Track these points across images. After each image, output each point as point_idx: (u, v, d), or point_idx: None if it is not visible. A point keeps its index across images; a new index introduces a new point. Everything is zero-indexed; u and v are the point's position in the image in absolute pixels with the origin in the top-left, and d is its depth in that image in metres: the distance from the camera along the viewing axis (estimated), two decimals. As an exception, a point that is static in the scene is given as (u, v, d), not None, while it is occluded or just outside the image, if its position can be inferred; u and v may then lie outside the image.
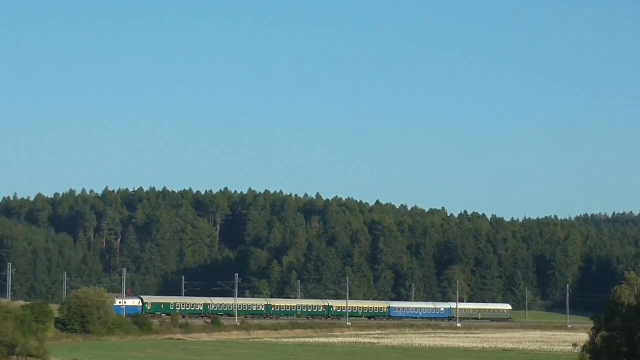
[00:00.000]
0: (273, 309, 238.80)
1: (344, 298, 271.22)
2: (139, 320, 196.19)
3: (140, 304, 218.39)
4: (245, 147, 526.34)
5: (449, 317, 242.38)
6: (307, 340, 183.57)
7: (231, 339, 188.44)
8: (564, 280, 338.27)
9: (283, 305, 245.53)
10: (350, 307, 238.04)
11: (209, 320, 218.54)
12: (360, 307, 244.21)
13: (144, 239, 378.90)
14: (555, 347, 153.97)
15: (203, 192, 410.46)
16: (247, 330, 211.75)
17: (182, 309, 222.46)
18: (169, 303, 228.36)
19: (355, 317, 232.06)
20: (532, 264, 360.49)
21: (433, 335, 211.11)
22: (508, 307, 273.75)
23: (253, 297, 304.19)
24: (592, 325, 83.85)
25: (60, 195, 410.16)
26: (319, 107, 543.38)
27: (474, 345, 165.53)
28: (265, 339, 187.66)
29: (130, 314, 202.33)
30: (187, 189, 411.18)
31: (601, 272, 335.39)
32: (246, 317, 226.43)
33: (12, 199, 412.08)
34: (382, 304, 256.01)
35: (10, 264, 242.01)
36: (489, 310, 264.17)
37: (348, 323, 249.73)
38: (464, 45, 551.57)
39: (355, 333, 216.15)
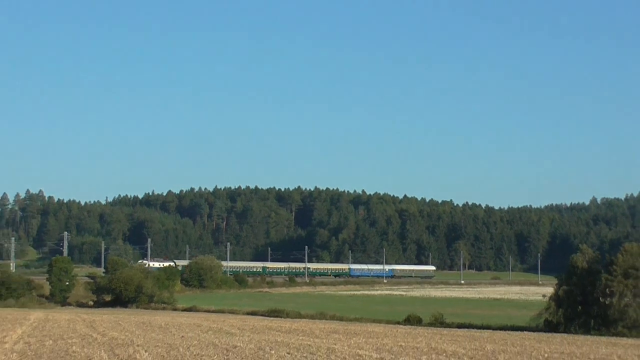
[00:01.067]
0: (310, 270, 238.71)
1: (381, 264, 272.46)
2: (238, 278, 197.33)
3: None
4: (313, 155, 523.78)
5: (392, 276, 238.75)
6: (355, 292, 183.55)
7: (302, 291, 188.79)
8: (536, 250, 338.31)
9: (317, 268, 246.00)
10: (321, 268, 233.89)
11: (287, 279, 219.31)
12: (328, 269, 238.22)
13: (241, 222, 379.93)
14: (530, 297, 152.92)
15: (282, 189, 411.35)
16: (314, 285, 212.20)
17: (269, 270, 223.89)
18: (395, 269, 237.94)
19: (325, 275, 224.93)
20: (514, 239, 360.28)
21: (444, 288, 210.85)
22: (432, 267, 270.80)
23: (317, 262, 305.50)
24: (557, 282, 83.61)
25: (184, 191, 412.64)
26: (365, 124, 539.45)
27: (472, 296, 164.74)
28: (326, 292, 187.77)
29: (232, 273, 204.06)
30: (271, 186, 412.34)
31: (562, 245, 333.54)
32: (313, 277, 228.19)
33: (150, 194, 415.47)
34: (344, 266, 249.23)
35: (150, 239, 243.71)
36: (419, 270, 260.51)
37: (384, 280, 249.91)
38: (469, 44, 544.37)
39: (388, 287, 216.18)
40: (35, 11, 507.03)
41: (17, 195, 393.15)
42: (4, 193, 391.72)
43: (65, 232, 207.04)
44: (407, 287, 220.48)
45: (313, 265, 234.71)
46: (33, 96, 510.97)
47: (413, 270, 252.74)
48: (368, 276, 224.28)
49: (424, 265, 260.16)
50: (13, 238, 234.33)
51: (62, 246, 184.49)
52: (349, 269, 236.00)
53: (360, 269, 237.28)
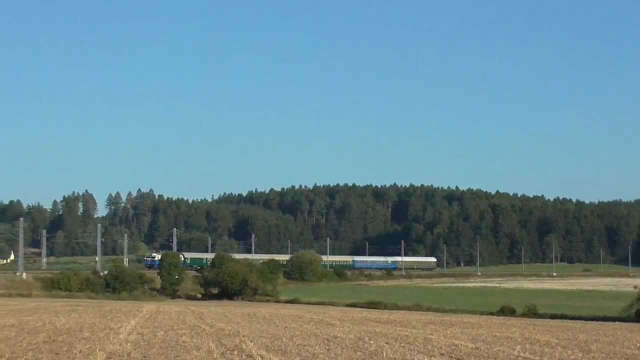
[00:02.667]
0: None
1: (475, 258, 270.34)
2: (338, 271, 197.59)
3: None
4: (409, 152, 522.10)
5: (394, 267, 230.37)
6: (449, 285, 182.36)
7: (399, 284, 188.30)
8: (627, 243, 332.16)
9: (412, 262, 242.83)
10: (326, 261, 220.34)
11: (384, 272, 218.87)
12: (334, 261, 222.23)
13: (340, 217, 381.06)
14: (621, 288, 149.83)
15: (379, 186, 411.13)
16: (410, 278, 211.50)
17: (367, 264, 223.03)
18: (397, 261, 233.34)
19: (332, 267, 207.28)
20: (604, 232, 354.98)
21: (540, 280, 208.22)
22: (434, 259, 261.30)
23: (414, 256, 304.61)
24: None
25: (285, 189, 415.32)
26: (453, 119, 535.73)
27: (564, 288, 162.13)
28: (422, 284, 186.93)
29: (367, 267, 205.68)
30: (368, 183, 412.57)
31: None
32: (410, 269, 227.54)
33: (253, 192, 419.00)
34: (348, 258, 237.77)
35: (253, 235, 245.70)
36: (421, 262, 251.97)
37: (478, 273, 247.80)
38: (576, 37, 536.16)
39: (482, 280, 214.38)
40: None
41: (130, 194, 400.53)
42: (117, 192, 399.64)
43: (175, 229, 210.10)
44: (500, 279, 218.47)
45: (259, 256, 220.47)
46: (140, 100, 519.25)
47: (415, 262, 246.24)
48: (371, 268, 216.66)
49: (426, 257, 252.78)
50: (126, 235, 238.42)
51: (172, 242, 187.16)
52: (353, 261, 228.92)
53: (363, 261, 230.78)
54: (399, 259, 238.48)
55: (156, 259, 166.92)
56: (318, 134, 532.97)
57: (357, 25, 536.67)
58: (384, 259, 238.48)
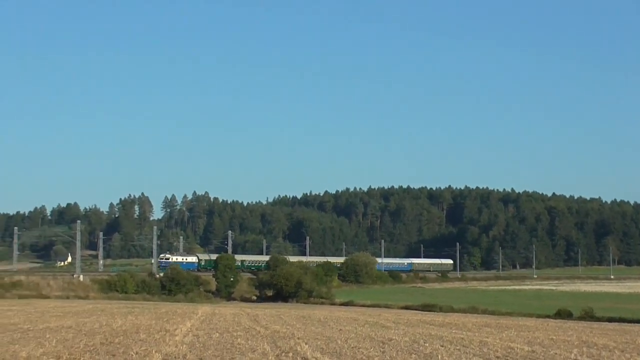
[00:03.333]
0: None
1: (531, 260, 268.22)
2: (392, 273, 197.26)
3: None
4: (463, 154, 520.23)
5: (410, 270, 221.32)
6: (505, 287, 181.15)
7: (454, 286, 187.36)
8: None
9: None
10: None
11: (439, 274, 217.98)
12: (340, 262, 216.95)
13: (394, 220, 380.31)
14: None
15: (434, 188, 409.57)
16: (465, 280, 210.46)
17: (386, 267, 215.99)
18: (413, 263, 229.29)
19: None
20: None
21: (597, 283, 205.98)
22: (450, 262, 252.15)
23: (469, 259, 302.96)
24: None
25: (340, 191, 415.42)
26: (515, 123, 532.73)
27: (622, 291, 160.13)
28: (477, 287, 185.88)
29: (386, 269, 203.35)
30: (423, 186, 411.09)
31: None
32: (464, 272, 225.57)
33: (308, 194, 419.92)
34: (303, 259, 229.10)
35: (308, 237, 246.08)
36: (437, 264, 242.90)
37: (534, 275, 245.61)
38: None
39: (538, 282, 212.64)
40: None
41: (185, 197, 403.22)
42: (173, 195, 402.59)
43: (230, 231, 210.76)
44: (556, 282, 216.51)
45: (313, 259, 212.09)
46: (194, 104, 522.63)
47: (431, 264, 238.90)
48: (387, 270, 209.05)
49: (442, 259, 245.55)
50: (181, 237, 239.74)
51: (227, 244, 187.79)
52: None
53: (382, 264, 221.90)
54: (415, 261, 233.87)
55: (170, 260, 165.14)
56: (372, 136, 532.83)
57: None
58: (400, 261, 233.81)
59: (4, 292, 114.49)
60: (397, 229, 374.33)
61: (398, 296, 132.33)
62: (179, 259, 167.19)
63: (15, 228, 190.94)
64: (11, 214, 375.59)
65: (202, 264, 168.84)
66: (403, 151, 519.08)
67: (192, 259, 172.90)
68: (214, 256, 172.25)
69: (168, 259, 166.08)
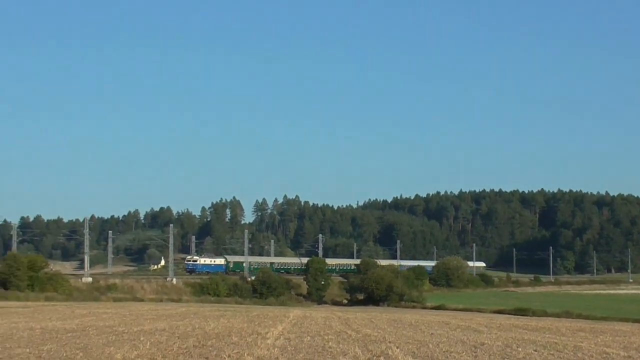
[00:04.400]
0: None
1: (627, 264, 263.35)
2: (484, 278, 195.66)
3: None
4: (555, 157, 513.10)
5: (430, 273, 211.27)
6: (600, 292, 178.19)
7: (547, 290, 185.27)
8: None
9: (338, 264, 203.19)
10: (341, 264, 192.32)
11: (532, 278, 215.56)
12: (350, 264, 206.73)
13: (486, 223, 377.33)
14: None
15: (526, 191, 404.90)
16: (558, 284, 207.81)
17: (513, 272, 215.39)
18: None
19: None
20: None
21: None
22: (483, 264, 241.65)
23: (562, 263, 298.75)
24: None
25: (430, 195, 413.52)
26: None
27: None
28: (571, 291, 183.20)
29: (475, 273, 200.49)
30: (515, 189, 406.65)
31: None
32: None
33: (398, 197, 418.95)
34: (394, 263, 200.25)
35: (399, 240, 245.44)
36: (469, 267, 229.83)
37: (630, 280, 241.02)
38: None
39: (635, 287, 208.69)
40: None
41: (276, 200, 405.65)
42: (264, 199, 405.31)
43: (320, 235, 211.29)
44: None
45: (331, 261, 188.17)
46: (287, 108, 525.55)
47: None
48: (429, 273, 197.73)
49: (472, 262, 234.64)
50: (272, 240, 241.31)
51: (317, 247, 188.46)
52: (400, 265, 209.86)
53: (404, 266, 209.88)
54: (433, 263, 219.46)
55: (198, 262, 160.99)
56: (463, 139, 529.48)
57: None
58: (426, 263, 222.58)
59: (100, 295, 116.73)
60: (488, 233, 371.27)
61: (490, 300, 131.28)
62: (207, 261, 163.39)
63: (110, 232, 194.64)
64: (106, 218, 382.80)
65: (231, 266, 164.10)
66: (494, 154, 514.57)
67: (220, 261, 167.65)
68: (237, 258, 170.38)
69: (196, 261, 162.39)
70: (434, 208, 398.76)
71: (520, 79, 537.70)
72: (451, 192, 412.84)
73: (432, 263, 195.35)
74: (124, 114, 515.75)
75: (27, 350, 31.81)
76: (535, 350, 34.91)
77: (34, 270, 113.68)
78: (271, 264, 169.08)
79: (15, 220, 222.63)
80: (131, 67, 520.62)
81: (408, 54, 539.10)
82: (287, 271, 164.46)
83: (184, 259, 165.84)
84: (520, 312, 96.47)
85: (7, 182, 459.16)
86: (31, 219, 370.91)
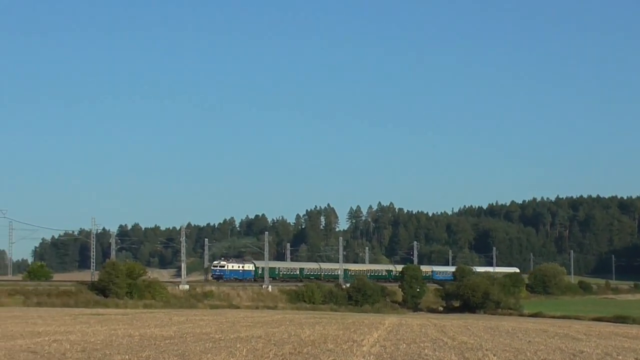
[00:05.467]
0: None
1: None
2: (583, 285, 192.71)
3: None
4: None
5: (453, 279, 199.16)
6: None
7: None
8: None
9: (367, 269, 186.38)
10: (376, 269, 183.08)
11: (632, 285, 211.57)
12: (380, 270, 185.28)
13: (584, 230, 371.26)
14: None
15: (625, 197, 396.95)
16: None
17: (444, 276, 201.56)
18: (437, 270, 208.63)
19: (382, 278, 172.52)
20: None
21: None
22: (517, 270, 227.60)
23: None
24: None
25: (526, 201, 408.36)
26: None
27: None
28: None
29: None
30: (613, 195, 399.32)
31: None
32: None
33: (494, 204, 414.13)
34: (427, 269, 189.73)
35: (494, 247, 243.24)
36: (500, 272, 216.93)
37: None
38: None
39: None
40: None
41: (370, 207, 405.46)
42: (358, 206, 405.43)
43: (415, 242, 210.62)
44: None
45: (354, 267, 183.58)
46: (374, 114, 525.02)
47: (496, 272, 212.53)
48: (449, 280, 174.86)
49: (507, 268, 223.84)
50: (367, 248, 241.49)
51: (412, 255, 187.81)
52: (432, 271, 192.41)
53: (442, 272, 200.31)
54: (480, 269, 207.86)
55: (226, 268, 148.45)
56: (559, 144, 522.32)
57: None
58: (448, 269, 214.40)
59: (196, 302, 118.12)
60: (586, 239, 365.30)
61: (588, 307, 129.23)
62: (235, 266, 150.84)
63: (206, 239, 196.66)
64: (202, 225, 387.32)
65: (260, 272, 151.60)
66: (592, 159, 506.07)
67: (249, 267, 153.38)
68: (273, 264, 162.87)
69: (223, 266, 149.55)
70: (530, 214, 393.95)
71: (620, 81, 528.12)
72: (547, 198, 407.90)
73: (529, 270, 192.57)
74: (218, 123, 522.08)
75: (127, 357, 32.36)
76: (636, 358, 34.31)
77: (132, 278, 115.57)
78: (301, 269, 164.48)
79: (113, 229, 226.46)
80: (224, 74, 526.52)
81: (503, 57, 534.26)
82: (317, 278, 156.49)
83: (213, 264, 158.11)
84: (619, 319, 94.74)
85: (105, 191, 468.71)
86: (129, 227, 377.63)
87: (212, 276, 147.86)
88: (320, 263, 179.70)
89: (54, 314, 72.28)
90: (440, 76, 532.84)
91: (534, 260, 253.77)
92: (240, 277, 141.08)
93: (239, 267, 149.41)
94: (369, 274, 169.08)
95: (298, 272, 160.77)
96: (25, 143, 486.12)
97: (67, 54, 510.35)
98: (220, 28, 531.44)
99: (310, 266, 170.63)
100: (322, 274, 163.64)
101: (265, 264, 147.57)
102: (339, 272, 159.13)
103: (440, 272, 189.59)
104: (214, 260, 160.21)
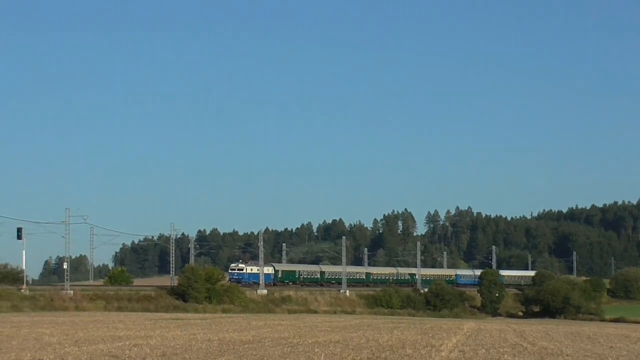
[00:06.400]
0: None
1: None
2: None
3: None
4: None
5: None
6: None
7: None
8: None
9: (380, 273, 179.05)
10: (384, 273, 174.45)
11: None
12: (431, 275, 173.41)
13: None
14: None
15: None
16: None
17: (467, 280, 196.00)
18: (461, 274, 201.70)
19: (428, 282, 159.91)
20: None
21: None
22: (531, 274, 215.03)
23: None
24: None
25: (607, 205, 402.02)
26: None
27: None
28: None
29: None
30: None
31: None
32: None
33: (574, 208, 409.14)
34: (450, 272, 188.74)
35: (575, 252, 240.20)
36: (520, 276, 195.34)
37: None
38: None
39: None
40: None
41: (448, 212, 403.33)
42: (436, 210, 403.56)
43: (493, 246, 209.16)
44: None
45: (375, 270, 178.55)
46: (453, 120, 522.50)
47: (511, 276, 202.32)
48: (473, 284, 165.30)
49: (523, 271, 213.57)
50: (444, 252, 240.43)
51: (491, 259, 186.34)
52: (456, 275, 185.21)
53: (466, 275, 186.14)
54: (506, 273, 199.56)
55: (244, 271, 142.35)
56: (638, 146, 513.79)
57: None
58: (468, 273, 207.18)
59: (275, 307, 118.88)
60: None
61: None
62: (254, 269, 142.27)
63: (284, 244, 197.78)
64: (280, 230, 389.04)
65: (279, 275, 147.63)
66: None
67: (267, 269, 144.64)
68: (286, 266, 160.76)
69: (242, 269, 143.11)
70: (612, 218, 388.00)
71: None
72: (629, 202, 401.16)
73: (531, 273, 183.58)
74: (299, 129, 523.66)
75: (206, 360, 32.65)
76: None
77: (211, 283, 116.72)
78: (321, 272, 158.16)
79: (192, 234, 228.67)
80: (313, 82, 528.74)
81: (580, 62, 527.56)
82: (339, 282, 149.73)
83: (230, 267, 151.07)
84: None
85: (184, 197, 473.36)
86: (207, 232, 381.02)
87: (229, 280, 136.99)
88: (340, 265, 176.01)
89: (134, 319, 73.27)
90: (520, 80, 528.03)
91: (615, 264, 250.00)
92: (259, 281, 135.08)
93: (258, 269, 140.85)
94: (391, 277, 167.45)
95: (319, 276, 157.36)
96: (107, 150, 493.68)
97: (156, 55, 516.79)
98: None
99: (332, 269, 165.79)
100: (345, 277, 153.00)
101: (343, 268, 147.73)
102: (351, 275, 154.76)
103: (464, 275, 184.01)
104: (232, 263, 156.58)
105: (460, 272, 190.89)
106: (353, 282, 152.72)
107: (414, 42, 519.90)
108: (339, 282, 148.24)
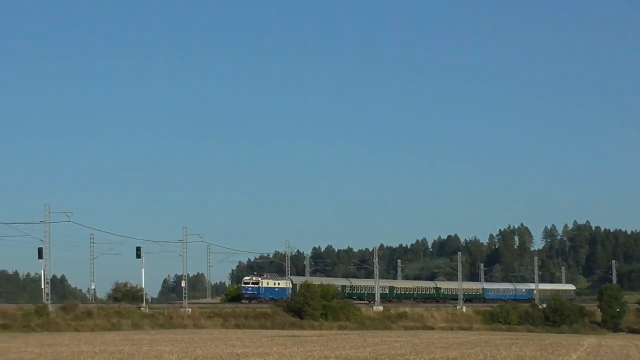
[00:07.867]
0: None
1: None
2: None
3: None
4: None
5: (528, 299, 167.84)
6: None
7: None
8: None
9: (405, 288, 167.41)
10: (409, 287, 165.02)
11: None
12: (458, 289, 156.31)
13: None
14: None
15: None
16: None
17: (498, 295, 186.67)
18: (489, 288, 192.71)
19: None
20: None
21: None
22: (573, 287, 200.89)
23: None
24: None
25: None
26: None
27: None
28: None
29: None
30: None
31: None
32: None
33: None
34: (478, 286, 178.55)
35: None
36: (560, 290, 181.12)
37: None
38: None
39: None
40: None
41: (566, 226, 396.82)
42: (553, 225, 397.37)
43: (614, 261, 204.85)
44: None
45: (399, 284, 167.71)
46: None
47: (551, 290, 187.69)
48: (504, 299, 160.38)
49: (564, 285, 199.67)
50: (563, 267, 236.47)
51: (611, 274, 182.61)
52: (483, 289, 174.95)
53: (496, 290, 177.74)
54: (533, 286, 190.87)
55: (260, 286, 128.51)
56: None
57: None
58: (520, 287, 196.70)
59: (391, 323, 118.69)
60: None
61: None
62: (271, 283, 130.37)
63: (399, 261, 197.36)
64: (395, 247, 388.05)
65: (298, 290, 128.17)
66: None
67: (284, 284, 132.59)
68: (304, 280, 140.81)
69: (257, 283, 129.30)
70: None
71: None
72: None
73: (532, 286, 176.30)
74: (413, 146, 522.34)
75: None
76: None
77: (327, 300, 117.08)
78: (343, 287, 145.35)
79: (307, 251, 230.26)
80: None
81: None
82: (360, 297, 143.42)
83: (244, 281, 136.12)
84: None
85: (300, 214, 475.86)
86: (322, 249, 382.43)
87: (243, 297, 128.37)
88: (351, 279, 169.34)
89: (252, 336, 73.96)
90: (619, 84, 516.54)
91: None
92: (276, 297, 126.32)
93: (275, 284, 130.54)
94: (415, 292, 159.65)
95: (387, 292, 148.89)
96: (223, 172, 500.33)
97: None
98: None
99: (342, 283, 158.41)
100: (357, 292, 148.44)
101: (460, 284, 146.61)
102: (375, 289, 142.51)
103: (493, 290, 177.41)
104: (246, 276, 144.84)
105: (487, 286, 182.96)
106: (367, 297, 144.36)
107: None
108: (361, 298, 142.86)
